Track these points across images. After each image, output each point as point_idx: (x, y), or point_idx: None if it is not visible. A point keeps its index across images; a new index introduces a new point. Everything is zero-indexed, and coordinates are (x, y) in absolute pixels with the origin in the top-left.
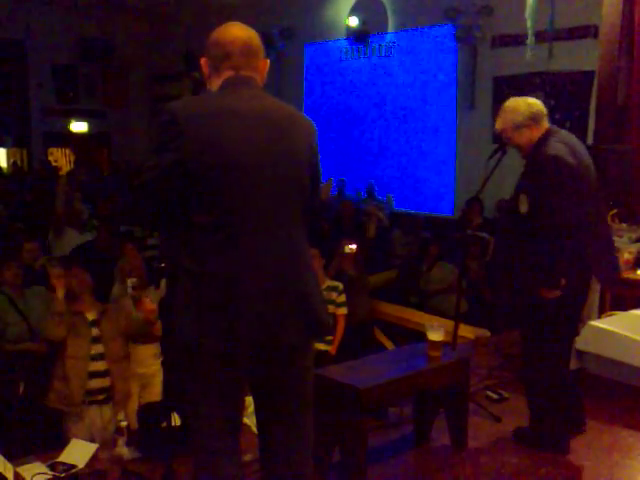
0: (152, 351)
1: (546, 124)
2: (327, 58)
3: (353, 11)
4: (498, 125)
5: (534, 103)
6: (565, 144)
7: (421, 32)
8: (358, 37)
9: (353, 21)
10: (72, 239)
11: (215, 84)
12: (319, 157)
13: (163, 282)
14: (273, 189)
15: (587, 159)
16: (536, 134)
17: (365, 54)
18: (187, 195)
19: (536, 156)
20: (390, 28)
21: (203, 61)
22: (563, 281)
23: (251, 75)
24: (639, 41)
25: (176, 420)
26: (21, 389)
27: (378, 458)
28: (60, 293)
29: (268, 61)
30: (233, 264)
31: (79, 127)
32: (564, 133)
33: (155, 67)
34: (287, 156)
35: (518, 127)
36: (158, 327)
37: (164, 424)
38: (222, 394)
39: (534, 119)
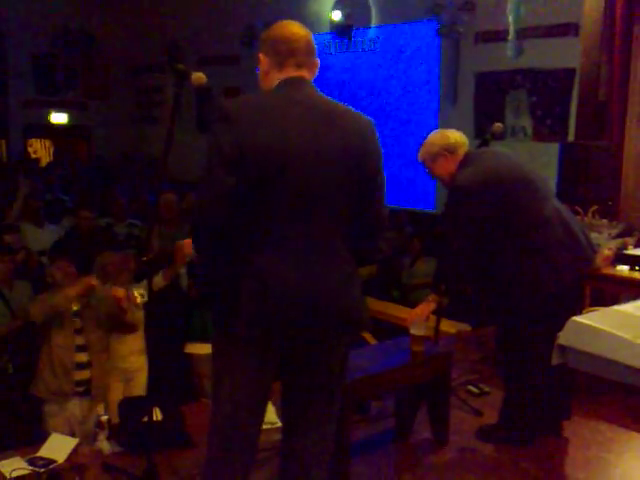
0: (136, 346)
1: (462, 153)
2: None
3: (337, 5)
4: (419, 157)
5: (450, 135)
6: (484, 168)
7: (404, 27)
8: (342, 31)
9: (337, 15)
10: (31, 234)
11: (274, 80)
12: (380, 158)
13: (159, 277)
14: (318, 187)
15: (524, 168)
16: (452, 164)
17: (349, 48)
18: (243, 195)
19: (451, 185)
20: (373, 22)
21: (262, 57)
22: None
23: (306, 76)
24: (620, 39)
25: (157, 415)
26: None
27: (361, 452)
28: (72, 291)
29: (318, 60)
30: (276, 259)
31: (59, 118)
32: (488, 154)
33: (138, 58)
34: (342, 155)
35: (434, 158)
36: (132, 317)
37: (145, 418)
38: (257, 381)
39: (448, 149)
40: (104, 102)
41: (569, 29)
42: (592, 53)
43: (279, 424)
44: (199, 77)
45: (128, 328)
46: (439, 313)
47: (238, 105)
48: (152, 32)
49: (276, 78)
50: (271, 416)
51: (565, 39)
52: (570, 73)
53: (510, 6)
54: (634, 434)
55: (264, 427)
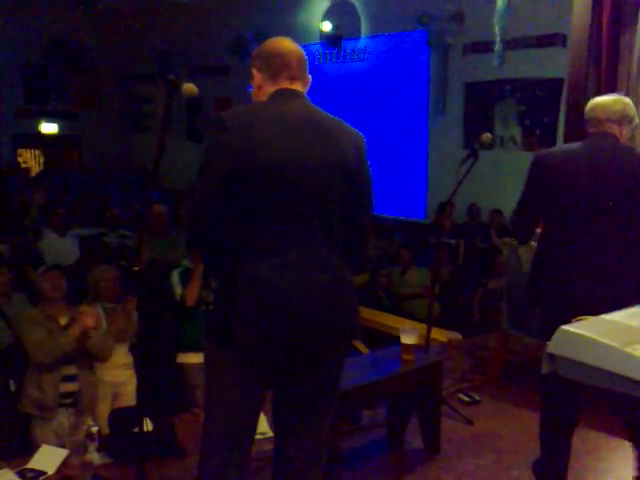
0: (121, 360)
1: None
2: None
3: (326, 16)
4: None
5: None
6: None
7: (394, 37)
8: (331, 41)
9: (326, 26)
10: (52, 242)
11: (266, 93)
12: (369, 171)
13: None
14: (313, 196)
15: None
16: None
17: (339, 58)
18: (239, 202)
19: None
20: (363, 33)
21: (255, 72)
22: None
23: (300, 89)
24: (607, 50)
25: (148, 425)
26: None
27: (352, 461)
28: (75, 331)
29: (310, 77)
30: (271, 268)
31: (49, 128)
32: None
33: (128, 68)
34: (334, 165)
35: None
36: (96, 345)
37: (136, 429)
38: (249, 396)
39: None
40: (95, 112)
41: (557, 39)
42: (579, 63)
43: (270, 434)
44: (190, 88)
45: (94, 356)
46: (429, 321)
47: (234, 115)
48: (142, 42)
49: (267, 91)
50: (263, 426)
51: (553, 49)
52: (558, 83)
53: (497, 16)
54: (623, 442)
55: (256, 437)
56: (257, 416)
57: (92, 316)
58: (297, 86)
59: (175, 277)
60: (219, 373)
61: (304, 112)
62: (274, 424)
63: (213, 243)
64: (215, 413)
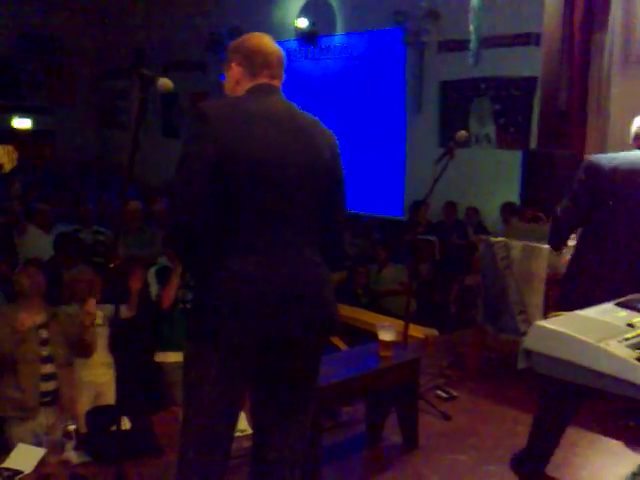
0: (102, 359)
1: None
2: None
3: (302, 12)
4: None
5: None
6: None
7: (370, 35)
8: (307, 38)
9: (302, 22)
10: (37, 238)
11: (244, 88)
12: (342, 169)
13: (124, 308)
14: (293, 192)
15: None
16: None
17: (314, 55)
18: (219, 197)
19: None
20: (339, 30)
21: (234, 66)
22: None
23: (278, 86)
24: (579, 49)
25: (126, 424)
26: None
27: (331, 457)
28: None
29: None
30: (251, 264)
31: (22, 124)
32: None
33: (104, 64)
34: (309, 162)
35: None
36: (90, 337)
37: (114, 427)
38: (231, 394)
39: None
40: (69, 107)
41: (530, 38)
42: (552, 62)
43: (249, 431)
44: (165, 83)
45: (84, 349)
46: (407, 318)
47: (215, 107)
48: (118, 38)
49: (245, 86)
50: (241, 423)
51: (527, 48)
52: (532, 81)
53: (471, 15)
54: (599, 436)
55: (235, 434)
56: (238, 414)
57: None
58: (276, 83)
59: (151, 275)
60: (201, 372)
61: (284, 109)
62: (253, 421)
63: (194, 238)
64: (195, 412)
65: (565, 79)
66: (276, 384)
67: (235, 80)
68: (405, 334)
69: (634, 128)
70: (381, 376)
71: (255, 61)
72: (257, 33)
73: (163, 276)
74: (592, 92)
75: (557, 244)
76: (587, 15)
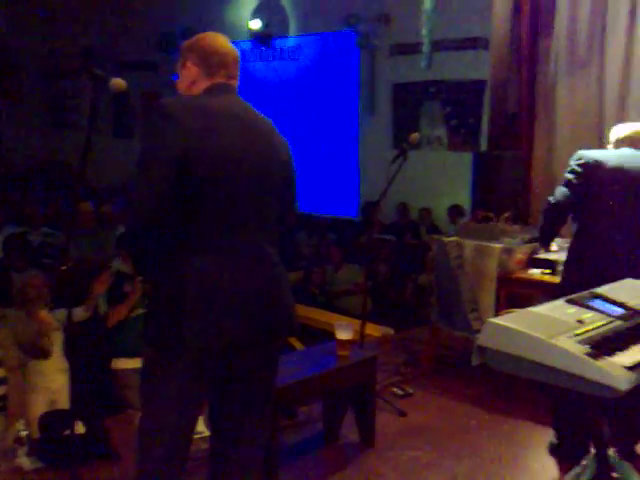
0: (57, 365)
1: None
2: None
3: (255, 14)
4: None
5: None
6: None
7: (324, 37)
8: (261, 40)
9: (255, 24)
10: None
11: (200, 87)
12: (294, 169)
13: (80, 309)
14: (254, 190)
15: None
16: None
17: (269, 57)
18: (181, 195)
19: None
20: (293, 32)
21: (190, 65)
22: None
23: (235, 85)
24: (526, 53)
25: (80, 428)
26: None
27: (290, 457)
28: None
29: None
30: (213, 264)
31: None
32: None
33: (53, 63)
34: (268, 161)
35: None
36: (47, 343)
37: (67, 432)
38: (193, 398)
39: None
40: (16, 106)
41: (480, 42)
42: (501, 66)
43: (207, 433)
44: (118, 83)
45: (42, 354)
46: (363, 317)
47: (178, 104)
48: (67, 37)
49: (201, 86)
50: (199, 425)
51: (476, 52)
52: (481, 85)
53: (424, 19)
54: (549, 430)
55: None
56: (197, 418)
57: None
58: (233, 83)
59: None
60: (162, 376)
61: (242, 108)
62: (211, 423)
63: (155, 237)
64: (156, 417)
65: (513, 82)
66: (235, 385)
67: (191, 80)
68: (362, 333)
69: (619, 134)
70: (339, 375)
71: (211, 61)
72: (212, 33)
73: (116, 293)
74: (539, 95)
75: (544, 238)
76: (534, 20)
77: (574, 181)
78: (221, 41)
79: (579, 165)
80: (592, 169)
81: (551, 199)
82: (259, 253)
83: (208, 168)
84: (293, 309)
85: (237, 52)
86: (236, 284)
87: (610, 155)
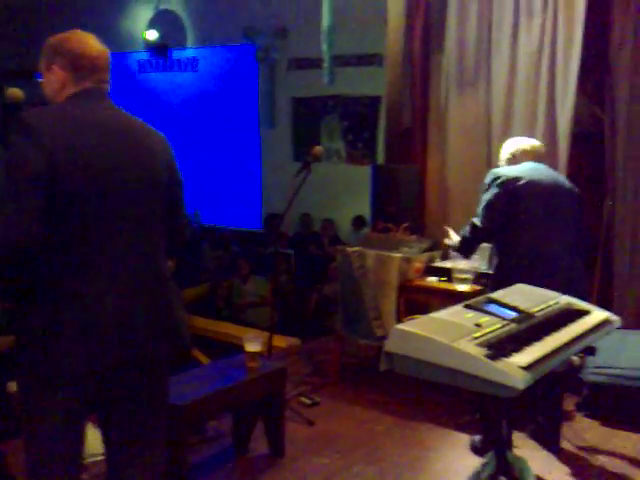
0: None
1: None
2: (125, 70)
3: (151, 24)
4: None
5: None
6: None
7: (222, 49)
8: (158, 51)
9: (151, 34)
10: None
11: (69, 92)
12: (180, 174)
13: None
14: (134, 202)
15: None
16: None
17: (166, 68)
18: (51, 210)
19: None
20: (190, 43)
21: (57, 69)
22: None
23: (107, 89)
24: (419, 70)
25: None
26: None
27: (199, 474)
28: None
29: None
30: (92, 282)
31: None
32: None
33: None
34: (147, 168)
35: None
36: None
37: None
38: (76, 422)
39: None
40: None
41: (375, 59)
42: (395, 82)
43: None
44: (14, 92)
45: None
46: (271, 329)
47: (41, 117)
48: None
49: (69, 91)
50: (98, 447)
51: (372, 68)
52: (376, 100)
53: (323, 35)
54: (450, 431)
55: (92, 459)
56: (83, 440)
57: None
58: (105, 87)
59: None
60: (39, 405)
61: (114, 114)
62: (105, 445)
63: (27, 258)
64: (37, 444)
65: (407, 98)
66: (119, 408)
67: (60, 84)
68: (270, 344)
69: (517, 148)
70: (249, 387)
71: (81, 65)
72: (79, 32)
73: None
74: (432, 110)
75: (468, 252)
76: (425, 38)
77: (497, 203)
78: (91, 42)
79: (499, 185)
80: (511, 186)
81: (477, 222)
82: (145, 270)
83: (77, 183)
84: (184, 325)
85: (108, 53)
86: (118, 307)
87: (522, 170)
